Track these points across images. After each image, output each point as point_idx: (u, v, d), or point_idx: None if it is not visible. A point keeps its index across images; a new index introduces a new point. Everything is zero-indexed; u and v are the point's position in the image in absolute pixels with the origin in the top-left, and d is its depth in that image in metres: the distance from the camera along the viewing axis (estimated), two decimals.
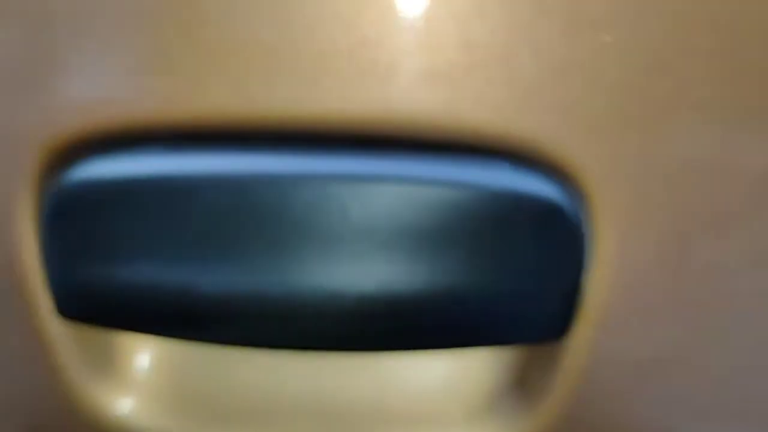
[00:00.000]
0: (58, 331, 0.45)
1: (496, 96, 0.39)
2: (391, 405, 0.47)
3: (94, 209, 0.41)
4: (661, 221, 0.42)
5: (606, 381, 0.45)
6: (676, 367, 0.46)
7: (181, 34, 0.39)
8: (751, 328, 0.45)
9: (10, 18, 0.40)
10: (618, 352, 0.45)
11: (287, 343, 0.42)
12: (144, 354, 0.49)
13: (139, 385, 0.48)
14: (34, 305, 0.45)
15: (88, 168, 0.42)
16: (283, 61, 0.39)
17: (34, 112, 0.41)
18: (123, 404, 0.48)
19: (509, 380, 0.47)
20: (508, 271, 0.40)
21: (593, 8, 0.39)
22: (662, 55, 0.39)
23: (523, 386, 0.46)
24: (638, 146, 0.41)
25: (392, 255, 0.40)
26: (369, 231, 0.40)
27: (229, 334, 0.42)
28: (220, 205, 0.40)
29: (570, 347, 0.44)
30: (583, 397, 0.45)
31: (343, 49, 0.39)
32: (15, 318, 0.45)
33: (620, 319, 0.44)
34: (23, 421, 0.48)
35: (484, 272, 0.40)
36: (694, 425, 0.48)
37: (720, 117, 0.41)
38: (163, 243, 0.41)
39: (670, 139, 0.41)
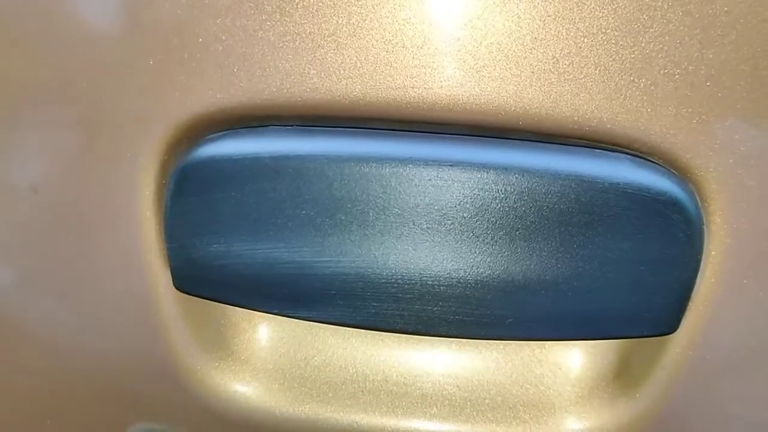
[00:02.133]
0: (174, 304, 0.47)
1: (619, 94, 0.40)
2: (498, 390, 0.48)
3: (217, 186, 0.43)
4: None
5: (706, 372, 0.46)
6: None
7: (311, 21, 0.40)
8: None
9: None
10: (721, 345, 0.45)
11: (401, 327, 0.43)
12: (256, 331, 0.50)
13: (250, 363, 0.50)
14: (153, 278, 0.46)
15: (211, 147, 0.43)
16: (408, 51, 0.40)
17: (165, 92, 0.42)
18: (233, 380, 0.49)
19: (614, 369, 0.48)
20: (627, 265, 0.41)
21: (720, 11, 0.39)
22: None
23: (626, 375, 0.47)
24: (754, 142, 0.41)
25: (513, 244, 0.41)
26: (489, 219, 0.41)
27: (342, 315, 0.43)
28: (340, 186, 0.41)
29: (675, 339, 0.44)
30: (683, 388, 0.46)
31: (468, 43, 0.40)
32: (134, 290, 0.47)
33: (726, 312, 0.44)
34: (138, 393, 0.50)
35: (601, 265, 0.41)
36: None
37: None
38: (281, 222, 0.42)
39: None
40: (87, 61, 0.43)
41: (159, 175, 0.44)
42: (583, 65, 0.40)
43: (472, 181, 0.40)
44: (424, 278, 0.42)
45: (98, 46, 0.43)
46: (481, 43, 0.40)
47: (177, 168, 0.43)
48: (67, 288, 0.48)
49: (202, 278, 0.44)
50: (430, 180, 0.41)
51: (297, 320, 0.49)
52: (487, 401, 0.49)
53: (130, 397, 0.50)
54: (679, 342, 0.44)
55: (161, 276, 0.46)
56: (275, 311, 0.44)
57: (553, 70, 0.40)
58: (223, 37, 0.41)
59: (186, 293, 0.46)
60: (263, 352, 0.50)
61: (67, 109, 0.44)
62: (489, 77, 0.40)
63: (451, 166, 0.41)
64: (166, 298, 0.47)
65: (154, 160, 0.44)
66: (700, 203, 0.41)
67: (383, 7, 0.40)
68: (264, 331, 0.50)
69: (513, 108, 0.40)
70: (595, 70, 0.40)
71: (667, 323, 0.43)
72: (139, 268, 0.46)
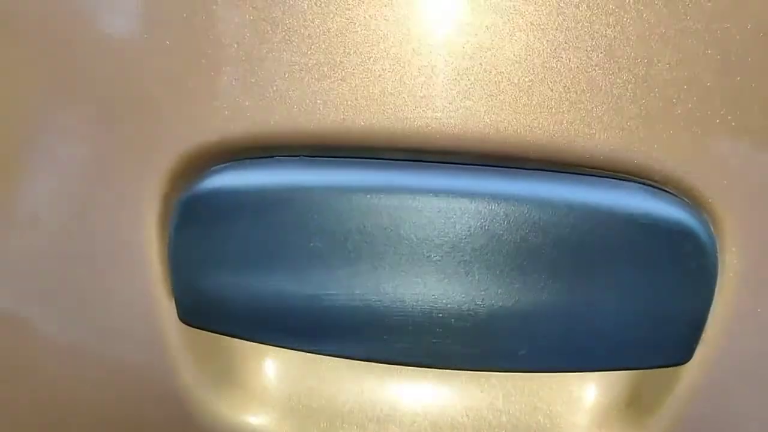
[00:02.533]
0: (179, 337, 0.46)
1: (632, 122, 0.39)
2: (509, 419, 0.48)
3: (222, 218, 0.42)
4: None
5: (718, 401, 0.45)
6: None
7: (315, 52, 0.40)
8: None
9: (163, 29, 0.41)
10: (733, 373, 0.44)
11: (412, 360, 0.42)
12: (263, 362, 0.50)
13: (257, 393, 0.49)
14: (157, 311, 0.46)
15: (216, 178, 0.42)
16: (417, 80, 0.40)
17: (170, 123, 0.42)
18: (241, 411, 0.49)
19: (626, 398, 0.47)
20: (640, 296, 0.40)
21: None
22: None
23: (638, 404, 0.46)
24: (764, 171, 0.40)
25: (525, 276, 0.40)
26: (500, 250, 0.40)
27: (354, 349, 0.43)
28: (348, 218, 0.40)
29: (688, 368, 0.44)
30: (695, 417, 0.45)
31: (479, 73, 0.39)
32: (138, 323, 0.46)
33: (739, 341, 0.43)
34: (146, 426, 0.49)
35: (613, 296, 0.40)
36: None
37: None
38: (288, 255, 0.42)
39: None
40: (90, 93, 0.42)
41: (163, 206, 0.44)
42: (595, 94, 0.39)
43: (482, 212, 0.40)
44: (435, 311, 0.41)
45: (102, 76, 0.42)
46: (491, 72, 0.39)
47: (181, 199, 0.43)
48: (71, 320, 0.47)
49: (208, 311, 0.44)
50: (440, 211, 0.40)
51: (308, 353, 0.48)
52: (497, 431, 0.48)
53: (135, 429, 0.50)
54: (691, 371, 0.44)
55: (167, 308, 0.46)
56: (283, 345, 0.44)
57: (564, 99, 0.39)
58: (228, 68, 0.41)
59: (191, 325, 0.45)
60: (270, 382, 0.50)
61: (71, 141, 0.43)
62: (500, 107, 0.40)
63: (461, 196, 0.40)
64: (171, 331, 0.46)
65: (158, 192, 0.44)
66: (714, 232, 0.41)
67: (391, 38, 0.39)
68: (271, 362, 0.50)
69: (524, 138, 0.40)
70: (608, 99, 0.39)
71: (681, 353, 0.42)
72: (144, 300, 0.46)
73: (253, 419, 0.49)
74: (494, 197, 0.40)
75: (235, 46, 0.40)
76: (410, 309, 0.41)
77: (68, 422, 0.50)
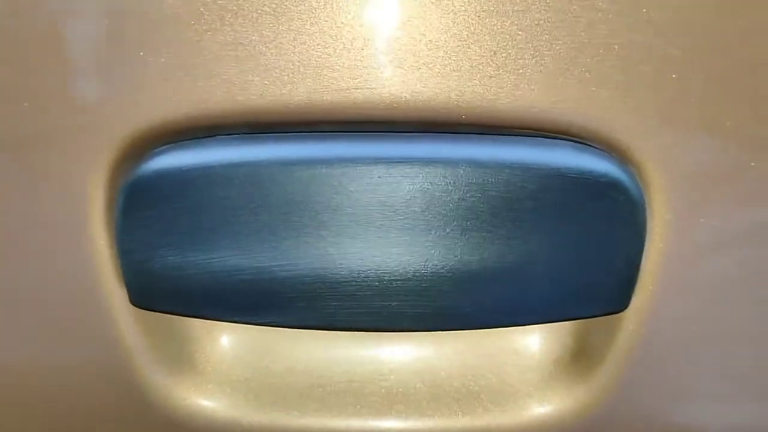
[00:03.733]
0: (132, 322, 0.47)
1: (556, 82, 0.41)
2: (461, 381, 0.49)
3: (167, 199, 0.43)
4: (712, 194, 0.44)
5: (659, 349, 0.47)
6: (724, 338, 0.47)
7: (254, 30, 0.41)
8: None
9: (95, 11, 0.42)
10: (671, 320, 0.46)
11: (362, 325, 0.43)
12: (217, 343, 0.50)
13: (213, 375, 0.50)
14: (108, 296, 0.46)
15: (160, 159, 0.43)
16: (349, 53, 0.41)
17: (110, 106, 0.42)
18: (198, 394, 0.49)
19: (571, 352, 0.49)
20: (575, 247, 0.42)
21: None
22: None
23: (583, 357, 0.48)
24: (688, 121, 0.43)
25: (465, 235, 0.42)
26: (439, 212, 0.41)
27: (304, 318, 0.43)
28: (292, 190, 0.42)
29: (627, 317, 0.46)
30: (638, 366, 0.47)
31: (407, 42, 0.41)
32: (90, 309, 0.46)
33: (673, 287, 0.45)
34: (101, 412, 0.49)
35: (551, 249, 0.42)
36: (746, 397, 0.49)
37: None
38: (235, 230, 0.42)
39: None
40: (26, 75, 0.42)
41: (108, 190, 0.44)
42: (519, 56, 0.41)
43: (420, 176, 0.41)
44: (381, 274, 0.42)
45: (38, 60, 0.42)
46: (419, 41, 0.41)
47: (125, 183, 0.43)
48: (18, 310, 0.47)
49: (159, 292, 0.44)
50: (379, 177, 0.41)
51: (258, 328, 0.49)
52: (451, 393, 0.49)
53: (93, 417, 0.50)
54: (630, 319, 0.46)
55: (117, 293, 0.46)
56: (236, 319, 0.45)
57: (491, 63, 0.41)
58: (165, 49, 0.41)
59: (143, 308, 0.45)
60: (225, 363, 0.50)
61: (9, 127, 0.44)
62: (429, 74, 0.41)
63: (398, 162, 0.41)
64: (123, 315, 0.46)
65: (101, 176, 0.44)
66: (640, 184, 0.43)
67: (322, 11, 0.41)
68: (225, 342, 0.50)
69: (455, 103, 0.41)
70: (532, 60, 0.41)
71: (618, 301, 0.44)
72: (93, 286, 0.46)
73: (211, 402, 0.50)
74: (431, 161, 0.41)
75: (170, 26, 0.41)
76: (357, 274, 0.42)
77: (21, 412, 0.50)
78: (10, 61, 0.42)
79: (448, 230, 0.42)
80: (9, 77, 0.42)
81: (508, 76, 0.41)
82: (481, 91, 0.41)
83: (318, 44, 0.41)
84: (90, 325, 0.47)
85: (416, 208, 0.42)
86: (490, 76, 0.41)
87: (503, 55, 0.41)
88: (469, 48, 0.41)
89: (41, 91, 0.43)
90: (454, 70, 0.41)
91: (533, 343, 0.50)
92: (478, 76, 0.41)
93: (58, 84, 0.42)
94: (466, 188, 0.41)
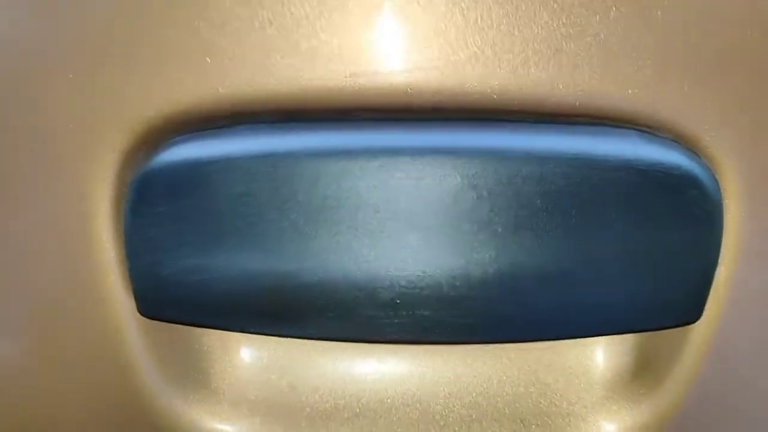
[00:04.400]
0: (140, 333, 0.42)
1: (621, 65, 0.37)
2: (507, 401, 0.44)
3: (182, 194, 0.38)
4: None
5: (732, 363, 0.42)
6: None
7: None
8: None
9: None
10: (744, 333, 0.42)
11: (400, 337, 0.38)
12: (235, 358, 0.45)
13: (229, 395, 0.45)
14: (114, 304, 0.41)
15: (175, 150, 0.39)
16: (389, 31, 0.37)
17: (125, 88, 0.38)
18: (212, 417, 0.44)
19: (632, 368, 0.44)
20: (642, 250, 0.37)
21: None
22: None
23: (646, 373, 0.43)
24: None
25: (517, 236, 0.37)
26: (490, 209, 0.37)
27: (336, 329, 0.38)
28: (323, 185, 0.37)
29: (697, 329, 0.41)
30: (706, 381, 0.42)
31: (455, 19, 0.36)
32: (93, 319, 0.41)
33: (749, 297, 0.41)
34: (104, 422, 0.44)
35: (615, 251, 0.37)
36: None
37: None
38: (258, 230, 0.38)
39: None
40: (29, 63, 0.38)
41: (116, 185, 0.40)
42: (580, 36, 0.36)
43: (469, 169, 0.36)
44: (422, 280, 0.37)
45: (41, 47, 0.38)
46: (466, 18, 0.36)
47: (135, 175, 0.38)
48: (16, 320, 0.42)
49: (171, 299, 0.39)
50: (423, 170, 0.37)
51: (280, 341, 0.44)
52: (494, 416, 0.44)
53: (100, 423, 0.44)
54: (700, 332, 0.41)
55: (123, 301, 0.41)
56: (256, 330, 0.40)
57: (548, 44, 0.36)
58: (182, 27, 0.37)
59: (153, 318, 0.40)
60: (243, 381, 0.45)
61: (7, 116, 0.39)
62: (479, 56, 0.37)
63: (444, 153, 0.37)
64: (130, 327, 0.42)
65: (109, 169, 0.39)
66: (716, 177, 0.38)
67: None
68: (243, 358, 0.45)
69: (509, 88, 0.37)
70: (594, 40, 0.36)
71: (690, 311, 0.39)
72: (97, 293, 0.41)
73: (227, 426, 0.44)
74: (479, 152, 0.37)
75: (186, 6, 0.37)
76: (396, 281, 0.37)
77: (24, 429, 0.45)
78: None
79: (499, 230, 0.37)
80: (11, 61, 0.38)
81: (566, 59, 0.36)
82: (537, 76, 0.37)
83: (354, 21, 0.37)
84: (92, 337, 0.42)
85: (465, 205, 0.37)
86: (548, 59, 0.36)
87: (561, 34, 0.36)
88: (523, 28, 0.36)
89: (43, 73, 0.38)
90: (506, 52, 0.36)
91: (589, 358, 0.44)
92: (534, 58, 0.37)
93: (62, 65, 0.38)
94: (520, 182, 0.36)
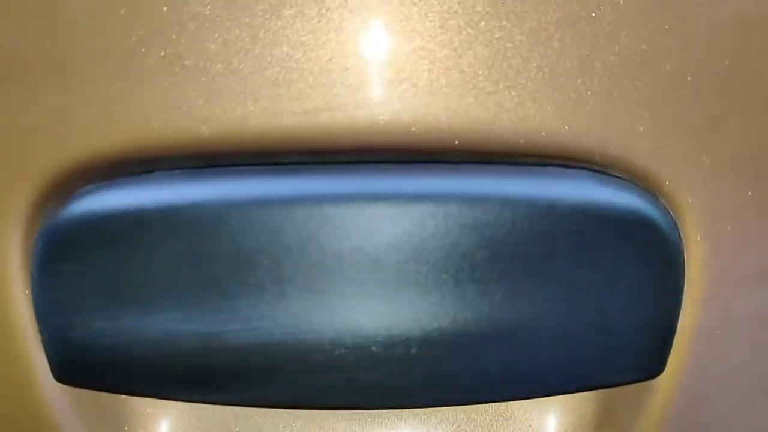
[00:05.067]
0: (58, 400, 0.38)
1: (569, 100, 0.34)
2: None
3: (93, 248, 0.35)
4: (761, 229, 0.36)
5: (698, 418, 0.39)
6: None
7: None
8: None
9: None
10: (712, 384, 0.39)
11: (337, 402, 0.35)
12: (163, 425, 0.41)
13: None
14: (27, 368, 0.38)
15: (84, 201, 0.35)
16: (316, 67, 0.33)
17: (30, 133, 0.35)
18: None
19: (591, 424, 0.40)
20: (598, 300, 0.34)
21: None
22: None
23: (610, 427, 0.40)
24: (728, 144, 0.35)
25: (461, 288, 0.33)
26: (429, 261, 0.33)
27: (267, 395, 0.35)
28: (245, 237, 0.33)
29: (660, 382, 0.38)
30: None
31: (389, 53, 0.33)
32: (6, 385, 0.38)
33: (715, 346, 0.38)
34: None
35: (568, 303, 0.34)
36: None
37: None
38: (177, 287, 0.34)
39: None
40: None
41: (25, 239, 0.36)
42: (524, 69, 0.33)
43: (404, 216, 0.33)
44: (359, 339, 0.34)
45: None
46: (403, 52, 0.33)
47: (43, 228, 0.35)
48: None
49: (87, 364, 0.36)
50: (354, 219, 0.33)
51: (208, 407, 0.40)
52: None
53: None
54: (664, 385, 0.38)
55: (39, 365, 0.38)
56: (181, 397, 0.36)
57: (488, 76, 0.33)
58: (90, 68, 0.34)
59: (69, 384, 0.37)
60: None
61: None
62: (414, 90, 0.33)
63: (378, 199, 0.33)
64: (46, 393, 0.38)
65: (16, 222, 0.36)
66: (675, 220, 0.35)
67: (283, 13, 0.33)
68: (173, 424, 0.42)
69: (446, 125, 0.34)
70: (538, 73, 0.33)
71: (652, 365, 0.36)
72: (9, 358, 0.38)
73: None
74: (413, 198, 0.33)
75: (97, 40, 0.34)
76: (330, 341, 0.34)
77: None
78: None
79: (440, 283, 0.34)
80: None
81: (509, 93, 0.33)
82: (477, 111, 0.33)
83: (277, 56, 0.33)
84: (5, 405, 0.39)
85: (400, 256, 0.33)
86: (489, 94, 0.33)
87: (503, 67, 0.33)
88: (460, 60, 0.33)
89: None
90: (444, 86, 0.33)
91: (545, 419, 0.41)
92: (474, 92, 0.33)
93: None
94: (462, 229, 0.33)
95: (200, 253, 0.34)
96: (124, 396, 0.40)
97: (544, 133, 0.34)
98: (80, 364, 0.36)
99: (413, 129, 0.34)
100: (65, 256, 0.35)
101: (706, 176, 0.35)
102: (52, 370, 0.37)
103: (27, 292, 0.37)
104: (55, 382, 0.38)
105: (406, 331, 0.34)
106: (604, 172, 0.35)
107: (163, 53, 0.33)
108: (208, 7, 0.33)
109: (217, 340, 0.34)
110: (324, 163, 0.35)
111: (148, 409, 0.41)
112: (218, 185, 0.35)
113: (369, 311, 0.34)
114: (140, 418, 0.41)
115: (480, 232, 0.33)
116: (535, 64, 0.33)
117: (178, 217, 0.34)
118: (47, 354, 0.36)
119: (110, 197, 0.35)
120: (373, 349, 0.34)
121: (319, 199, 0.34)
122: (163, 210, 0.34)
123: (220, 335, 0.34)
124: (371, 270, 0.34)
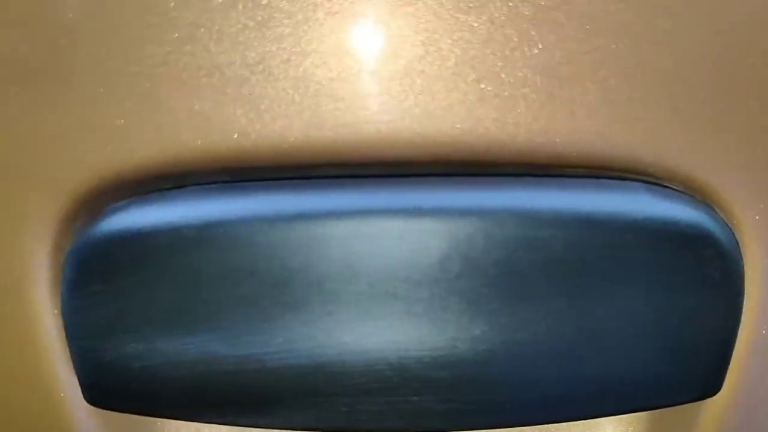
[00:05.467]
0: (89, 423, 0.37)
1: (624, 111, 0.32)
2: None
3: (126, 267, 0.33)
4: None
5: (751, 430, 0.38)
6: None
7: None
8: None
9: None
10: (765, 397, 0.37)
11: (381, 426, 0.34)
12: None
13: None
14: (57, 391, 0.36)
15: (116, 218, 0.34)
16: (359, 77, 0.32)
17: (59, 147, 0.33)
18: None
19: None
20: (655, 318, 0.33)
21: None
22: None
23: None
24: None
25: (512, 307, 0.32)
26: (478, 278, 0.32)
27: (301, 419, 0.34)
28: (287, 254, 0.32)
29: (715, 402, 0.36)
30: None
31: (432, 62, 0.32)
32: (37, 406, 0.37)
33: None
34: None
35: (623, 321, 0.32)
36: None
37: None
38: (215, 308, 0.33)
39: None
40: None
41: (54, 259, 0.35)
42: (577, 79, 0.32)
43: (454, 232, 0.32)
44: (403, 361, 0.33)
45: None
46: (448, 59, 0.32)
47: (72, 248, 0.34)
48: None
49: (119, 387, 0.34)
50: (401, 235, 0.32)
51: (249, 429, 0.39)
52: None
53: None
54: (719, 404, 0.36)
55: (70, 388, 0.36)
56: (216, 420, 0.35)
57: (540, 87, 0.32)
58: (120, 77, 0.32)
59: (101, 407, 0.35)
60: None
61: None
62: (461, 102, 0.32)
63: (423, 215, 0.32)
64: (77, 417, 0.37)
65: (45, 240, 0.35)
66: (735, 233, 0.33)
67: (322, 22, 0.31)
68: None
69: (498, 138, 0.32)
70: (592, 83, 0.32)
71: (709, 384, 0.34)
72: (39, 382, 0.36)
73: None
74: (467, 212, 0.32)
75: (129, 48, 0.32)
76: (371, 362, 0.33)
77: None
78: None
79: (490, 301, 0.32)
80: None
81: (562, 105, 0.32)
82: (530, 124, 0.32)
83: (317, 65, 0.32)
84: (37, 423, 0.37)
85: (448, 275, 0.32)
86: (542, 104, 0.32)
87: (556, 77, 0.32)
88: (512, 70, 0.32)
89: None
90: (494, 97, 0.32)
91: None
92: (525, 104, 0.32)
93: None
94: (512, 245, 0.32)
95: (237, 272, 0.32)
96: (155, 419, 0.39)
97: (599, 145, 0.32)
98: (112, 387, 0.35)
99: (461, 141, 0.32)
100: (96, 275, 0.33)
101: (765, 186, 0.34)
102: (83, 392, 0.35)
103: (56, 311, 0.36)
104: (85, 404, 0.36)
105: (454, 352, 0.32)
106: (659, 184, 0.33)
107: (198, 64, 0.32)
108: (248, 18, 0.32)
109: (253, 362, 0.33)
110: (369, 176, 0.33)
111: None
112: (255, 200, 0.33)
113: (416, 331, 0.32)
114: None
115: (535, 247, 0.32)
116: (587, 74, 0.32)
117: (214, 234, 0.32)
118: (78, 376, 0.35)
119: (143, 213, 0.34)
120: (419, 371, 0.33)
121: (364, 214, 0.32)
122: (197, 226, 0.33)
123: (256, 357, 0.33)
124: (416, 288, 0.32)
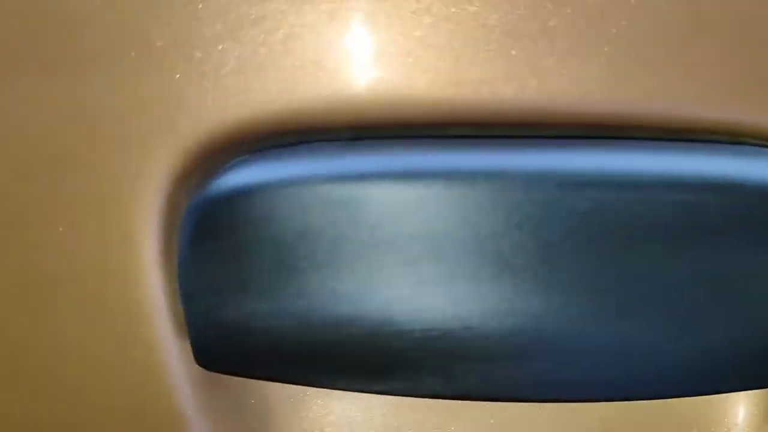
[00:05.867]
0: (196, 389, 0.35)
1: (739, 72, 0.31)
2: None
3: (251, 224, 0.32)
4: None
5: None
6: None
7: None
8: None
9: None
10: None
11: (516, 394, 0.32)
12: (320, 415, 0.39)
13: None
14: (163, 354, 0.35)
15: (240, 173, 0.33)
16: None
17: (178, 99, 0.32)
18: None
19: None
20: None
21: None
22: None
23: None
24: None
25: (628, 274, 0.31)
26: (619, 240, 0.31)
27: (436, 384, 0.32)
28: (421, 212, 0.31)
29: None
30: None
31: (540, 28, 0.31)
32: (143, 369, 0.35)
33: None
34: None
35: (752, 291, 0.31)
36: None
37: None
38: (341, 267, 0.32)
39: None
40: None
41: (167, 215, 0.33)
42: (683, 43, 0.31)
43: (568, 195, 0.31)
44: (552, 325, 0.32)
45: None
46: (562, 23, 0.31)
47: (193, 203, 0.32)
48: (44, 382, 0.36)
49: (235, 349, 0.33)
50: (513, 199, 0.31)
51: (371, 399, 0.37)
52: None
53: None
54: None
55: (175, 350, 0.35)
56: (341, 386, 0.33)
57: (659, 47, 0.31)
58: (244, 27, 0.31)
59: (213, 370, 0.34)
60: None
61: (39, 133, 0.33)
62: (585, 65, 0.31)
63: (564, 176, 0.31)
64: (184, 381, 0.35)
65: (159, 196, 0.33)
66: None
67: None
68: (326, 421, 0.39)
69: (600, 101, 0.31)
70: (698, 47, 0.31)
71: None
72: (143, 342, 0.35)
73: None
74: (578, 175, 0.31)
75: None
76: (513, 328, 0.32)
77: None
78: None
79: (601, 268, 0.31)
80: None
81: (670, 67, 0.31)
82: (637, 88, 0.31)
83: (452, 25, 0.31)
84: (135, 394, 0.36)
85: (589, 232, 0.31)
86: (646, 62, 0.31)
87: (673, 36, 0.31)
88: (626, 31, 0.31)
89: (80, 85, 0.32)
90: (600, 56, 0.31)
91: (733, 414, 0.38)
92: (636, 67, 0.31)
93: (103, 74, 0.32)
94: (627, 211, 0.31)
95: (366, 231, 0.31)
96: (267, 394, 0.38)
97: (712, 109, 0.31)
98: (227, 348, 0.33)
99: (587, 105, 0.31)
100: (215, 232, 0.32)
101: None
102: (195, 354, 0.34)
103: (163, 272, 0.34)
104: (191, 371, 0.35)
105: (567, 321, 0.31)
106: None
107: (327, 6, 0.31)
108: None
109: (385, 325, 0.32)
110: (480, 137, 0.32)
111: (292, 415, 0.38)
112: (387, 157, 0.32)
113: (526, 300, 0.31)
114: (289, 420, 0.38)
115: (647, 213, 0.31)
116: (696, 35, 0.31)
117: (343, 191, 0.31)
118: (191, 338, 0.34)
119: (263, 169, 0.32)
120: (535, 336, 0.32)
121: (501, 175, 0.31)
122: (325, 183, 0.32)
123: (387, 320, 0.32)
124: (524, 252, 0.31)
